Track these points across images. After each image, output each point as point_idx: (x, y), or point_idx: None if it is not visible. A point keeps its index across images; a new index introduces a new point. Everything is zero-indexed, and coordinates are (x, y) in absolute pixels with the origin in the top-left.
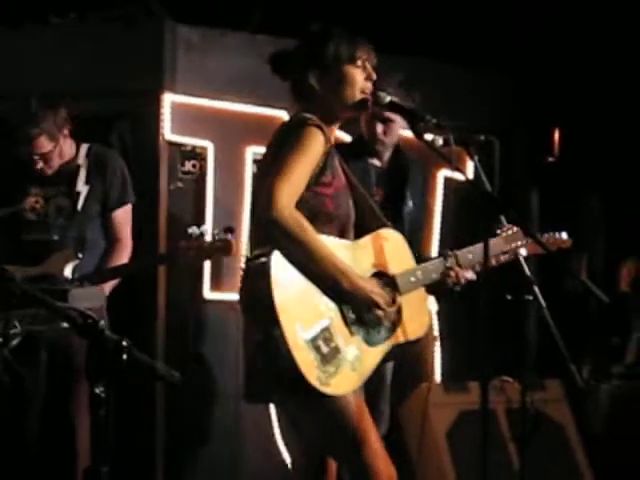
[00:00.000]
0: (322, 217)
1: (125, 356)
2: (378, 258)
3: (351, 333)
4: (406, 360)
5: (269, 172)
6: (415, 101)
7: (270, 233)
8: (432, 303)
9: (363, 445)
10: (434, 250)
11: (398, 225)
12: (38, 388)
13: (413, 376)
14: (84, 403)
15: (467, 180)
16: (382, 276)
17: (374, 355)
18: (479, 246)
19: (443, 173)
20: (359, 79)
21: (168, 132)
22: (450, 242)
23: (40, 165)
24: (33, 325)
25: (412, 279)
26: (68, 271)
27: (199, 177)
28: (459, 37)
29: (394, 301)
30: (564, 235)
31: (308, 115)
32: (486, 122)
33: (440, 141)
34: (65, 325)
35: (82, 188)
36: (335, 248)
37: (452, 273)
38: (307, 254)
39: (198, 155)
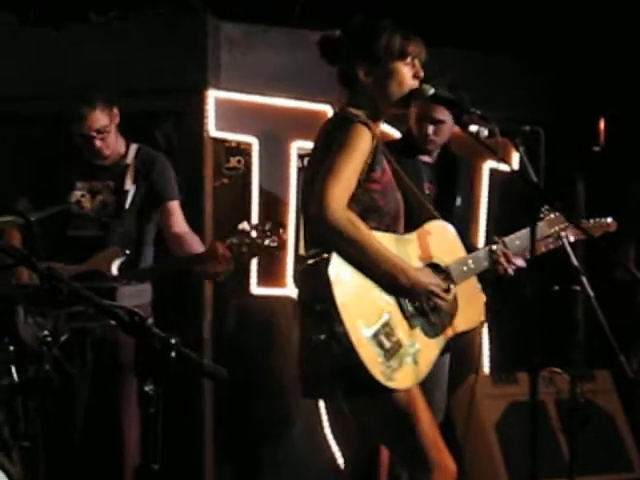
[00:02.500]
0: (373, 213)
1: (173, 353)
2: (424, 251)
3: (411, 326)
4: (455, 351)
5: (318, 172)
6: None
7: (325, 234)
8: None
9: (424, 438)
10: (480, 241)
11: (449, 220)
12: (84, 385)
13: (462, 367)
14: (131, 400)
15: (513, 171)
16: (434, 267)
17: (434, 346)
18: (525, 232)
19: (489, 164)
20: (407, 77)
21: (212, 129)
22: (496, 233)
23: (98, 144)
24: (81, 322)
25: (464, 268)
26: (115, 268)
27: (244, 173)
28: (503, 28)
29: (449, 290)
30: (609, 219)
31: (354, 112)
32: (531, 112)
33: (485, 132)
34: (112, 322)
35: (130, 187)
36: (387, 242)
37: (501, 259)
38: (362, 252)
39: (243, 151)
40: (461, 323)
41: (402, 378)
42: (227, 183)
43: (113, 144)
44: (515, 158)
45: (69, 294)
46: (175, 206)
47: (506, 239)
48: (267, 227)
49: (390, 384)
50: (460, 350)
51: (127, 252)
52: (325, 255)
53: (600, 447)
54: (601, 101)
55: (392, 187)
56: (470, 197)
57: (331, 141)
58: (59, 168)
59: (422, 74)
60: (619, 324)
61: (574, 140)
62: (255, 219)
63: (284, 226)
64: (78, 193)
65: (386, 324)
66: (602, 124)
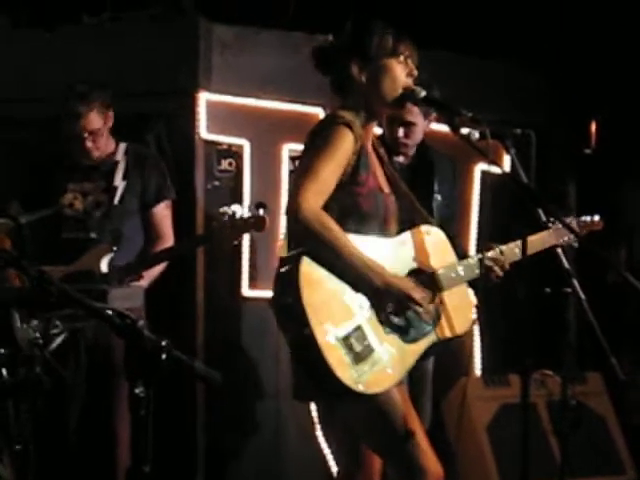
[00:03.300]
0: (356, 216)
1: (164, 356)
2: (419, 253)
3: (386, 331)
4: (446, 354)
5: (298, 172)
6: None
7: (297, 234)
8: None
9: (408, 441)
10: (472, 244)
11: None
12: (78, 389)
13: (453, 370)
14: (124, 402)
15: (504, 173)
16: (422, 272)
17: (412, 352)
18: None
19: (480, 167)
20: (400, 73)
21: (204, 131)
22: (488, 236)
23: (89, 145)
24: (73, 323)
25: (453, 275)
26: (104, 265)
27: (236, 175)
28: (496, 31)
29: (434, 297)
30: (596, 217)
31: (340, 113)
32: (522, 115)
33: (476, 135)
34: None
35: (119, 183)
36: (369, 246)
37: (496, 268)
38: (334, 254)
39: (234, 153)
40: (448, 329)
41: (373, 382)
42: (218, 185)
43: (103, 146)
44: (506, 161)
45: (59, 297)
46: (165, 207)
47: (504, 247)
48: (247, 207)
49: (359, 388)
50: (451, 352)
51: (115, 248)
52: (297, 257)
53: (591, 449)
54: (592, 104)
55: (381, 190)
56: (456, 197)
57: (312, 142)
58: (51, 171)
59: (416, 73)
60: (610, 326)
61: (565, 143)
62: (245, 214)
63: (264, 206)
64: (70, 196)
65: (358, 328)
66: (593, 127)
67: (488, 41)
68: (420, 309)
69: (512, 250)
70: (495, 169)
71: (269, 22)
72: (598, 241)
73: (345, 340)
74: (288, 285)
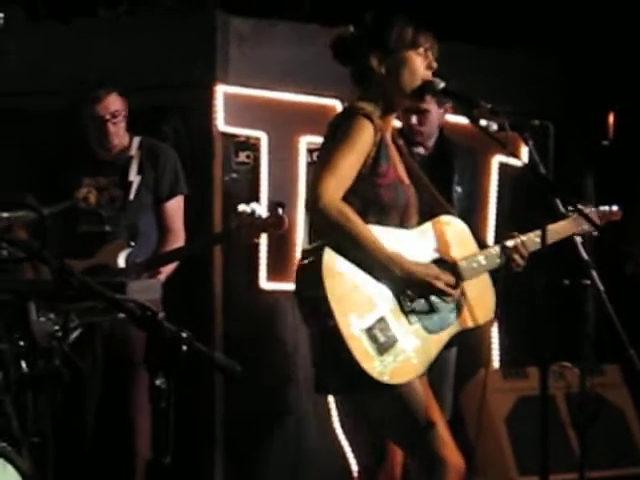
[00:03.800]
0: (376, 207)
1: (185, 347)
2: (440, 244)
3: (409, 322)
4: (465, 346)
5: (318, 164)
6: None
7: (317, 225)
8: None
9: (430, 433)
10: (490, 235)
11: None
12: (95, 381)
13: (472, 362)
14: (142, 394)
15: (522, 165)
16: (443, 263)
17: (436, 342)
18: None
19: (498, 159)
20: (419, 66)
21: (221, 123)
22: (506, 227)
23: (112, 128)
24: (91, 317)
25: (474, 265)
26: (121, 260)
27: (253, 168)
28: (512, 22)
29: (456, 287)
30: (614, 207)
31: (360, 104)
32: (540, 107)
33: (494, 126)
34: (123, 316)
35: (134, 178)
36: (390, 237)
37: (516, 255)
38: (355, 245)
39: (252, 146)
40: (472, 319)
41: (397, 373)
42: (236, 178)
43: (122, 134)
44: (524, 152)
45: (81, 289)
46: (177, 202)
47: (524, 237)
48: (266, 207)
49: (383, 379)
50: (470, 344)
51: (132, 244)
52: (320, 249)
53: (610, 441)
54: (610, 95)
55: (402, 182)
56: (476, 189)
57: (333, 134)
58: (64, 165)
59: (435, 65)
60: (629, 318)
61: (583, 134)
62: (264, 214)
63: (283, 205)
64: (85, 190)
65: (381, 319)
66: (611, 118)
67: (505, 33)
68: (443, 287)
69: (532, 240)
70: (513, 161)
71: (286, 14)
72: (617, 232)
73: (369, 331)
74: (311, 277)
